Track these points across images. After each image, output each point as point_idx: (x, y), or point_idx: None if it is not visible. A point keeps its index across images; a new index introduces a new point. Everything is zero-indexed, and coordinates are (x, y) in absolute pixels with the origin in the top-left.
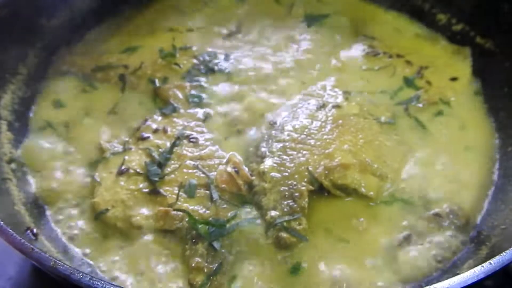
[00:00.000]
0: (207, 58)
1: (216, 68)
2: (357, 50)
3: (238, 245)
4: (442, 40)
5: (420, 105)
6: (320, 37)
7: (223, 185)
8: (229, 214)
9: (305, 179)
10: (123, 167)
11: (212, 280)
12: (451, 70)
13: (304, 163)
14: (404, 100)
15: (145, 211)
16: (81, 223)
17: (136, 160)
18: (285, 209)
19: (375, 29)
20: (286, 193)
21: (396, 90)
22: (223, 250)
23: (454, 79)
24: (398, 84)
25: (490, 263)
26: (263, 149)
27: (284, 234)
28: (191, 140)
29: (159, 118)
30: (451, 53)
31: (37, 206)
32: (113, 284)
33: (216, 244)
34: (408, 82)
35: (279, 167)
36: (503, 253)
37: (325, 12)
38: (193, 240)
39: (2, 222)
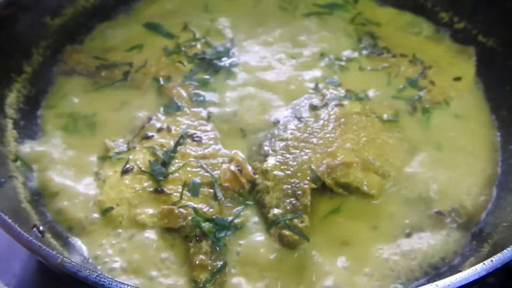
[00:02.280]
0: (211, 56)
1: (220, 66)
2: (360, 50)
3: (242, 243)
4: (446, 40)
5: (423, 104)
6: (324, 36)
7: (226, 184)
8: (233, 212)
9: (308, 178)
10: (127, 166)
11: (216, 277)
12: (455, 70)
13: (306, 161)
14: (407, 100)
15: (149, 209)
16: (86, 221)
17: (140, 158)
18: (288, 207)
19: (379, 28)
20: (289, 191)
21: (399, 90)
22: (227, 248)
23: (457, 78)
24: (402, 83)
25: (492, 260)
26: (266, 148)
27: (286, 232)
28: (195, 139)
29: (163, 117)
30: (455, 53)
31: (43, 204)
32: (119, 282)
33: (220, 242)
34: (412, 82)
35: (282, 166)
36: (505, 250)
37: (329, 12)
38: (197, 238)
39: (9, 220)
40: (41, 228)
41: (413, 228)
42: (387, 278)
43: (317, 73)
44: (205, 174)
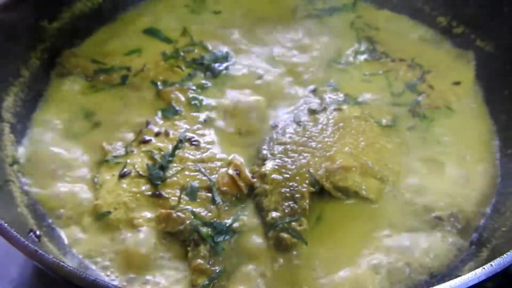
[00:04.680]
0: (209, 60)
1: (218, 70)
2: (359, 54)
3: (240, 246)
4: (445, 44)
5: (422, 109)
6: (323, 40)
7: (224, 188)
8: (231, 216)
9: (306, 181)
10: (125, 170)
11: (214, 282)
12: (454, 74)
13: (305, 165)
14: (406, 104)
15: (147, 213)
16: (83, 225)
17: (138, 162)
18: (286, 211)
19: (377, 33)
20: (287, 194)
21: (398, 94)
22: (225, 252)
23: (457, 83)
24: (401, 88)
25: (491, 265)
26: (264, 152)
27: (284, 235)
28: (193, 143)
29: (161, 121)
30: (455, 57)
31: (39, 208)
32: (115, 285)
33: (218, 246)
34: (410, 86)
35: (280, 169)
36: (504, 255)
37: (327, 16)
38: (195, 242)
39: (6, 225)
40: (37, 232)
41: (411, 233)
42: (386, 284)
43: (316, 77)
44: (203, 178)
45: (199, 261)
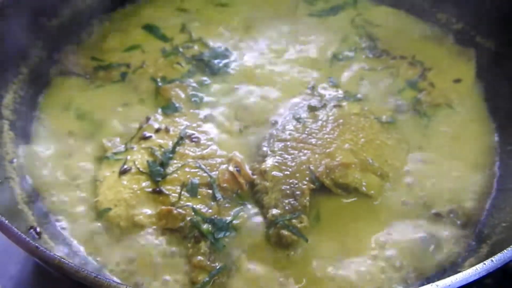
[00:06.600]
0: (209, 57)
1: (218, 67)
2: (360, 51)
3: (240, 243)
4: (446, 41)
5: (423, 106)
6: (323, 37)
7: (224, 184)
8: (231, 213)
9: (307, 178)
10: (125, 166)
11: (214, 279)
12: (455, 72)
13: (305, 162)
14: (407, 102)
15: (147, 210)
16: (83, 222)
17: (138, 159)
18: (287, 208)
19: (378, 30)
20: (288, 191)
21: (399, 92)
22: (225, 249)
23: (457, 80)
24: (401, 85)
25: (492, 260)
26: (264, 148)
27: (285, 232)
28: (193, 139)
29: (161, 118)
30: (456, 55)
31: (40, 205)
32: (117, 282)
33: (218, 243)
34: (411, 84)
35: (280, 166)
36: (505, 250)
37: (328, 13)
38: (196, 239)
39: (6, 221)
40: (38, 229)
41: (411, 230)
42: (387, 280)
43: (316, 74)
44: (204, 174)
45: (200, 257)
